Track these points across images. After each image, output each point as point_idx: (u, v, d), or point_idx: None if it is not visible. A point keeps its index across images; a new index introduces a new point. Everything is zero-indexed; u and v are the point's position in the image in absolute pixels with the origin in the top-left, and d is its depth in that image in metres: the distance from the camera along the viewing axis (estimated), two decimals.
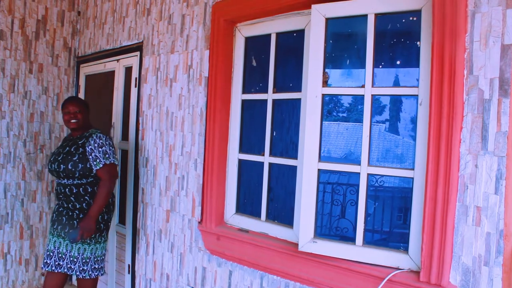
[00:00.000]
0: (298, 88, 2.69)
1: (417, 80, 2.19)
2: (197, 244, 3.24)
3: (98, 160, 3.24)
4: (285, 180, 2.85)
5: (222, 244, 3.02)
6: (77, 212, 3.30)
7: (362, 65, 2.35)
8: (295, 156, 2.70)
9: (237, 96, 3.09)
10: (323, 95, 2.47)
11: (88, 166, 3.24)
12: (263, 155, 2.92)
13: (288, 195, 2.75)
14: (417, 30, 2.22)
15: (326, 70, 2.47)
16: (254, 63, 3.11)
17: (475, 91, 1.98)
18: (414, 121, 2.20)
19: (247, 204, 3.12)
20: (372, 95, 2.33)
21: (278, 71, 2.88)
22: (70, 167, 3.21)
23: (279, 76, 2.89)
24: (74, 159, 3.22)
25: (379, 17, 2.35)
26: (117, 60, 4.22)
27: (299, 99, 2.68)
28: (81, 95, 4.82)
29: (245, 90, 3.10)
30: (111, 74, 4.32)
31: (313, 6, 2.49)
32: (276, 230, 2.80)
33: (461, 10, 2.01)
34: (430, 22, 2.14)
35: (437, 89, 2.04)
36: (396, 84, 2.32)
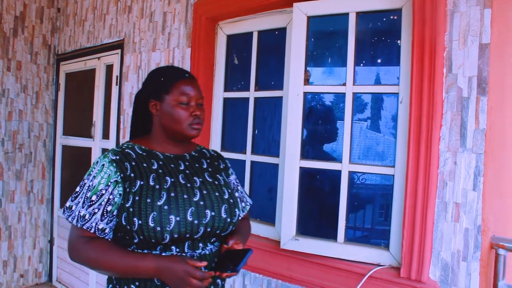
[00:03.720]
0: (280, 86, 2.70)
1: (398, 78, 2.21)
2: None
3: (245, 199, 1.88)
4: (267, 178, 2.85)
5: None
6: None
7: (344, 64, 2.36)
8: (277, 154, 2.70)
9: (219, 94, 3.08)
10: (305, 93, 2.48)
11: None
12: (245, 153, 2.91)
13: (270, 193, 2.75)
14: (398, 29, 2.24)
15: (308, 68, 2.48)
16: (236, 61, 3.10)
17: (454, 89, 2.01)
18: (395, 119, 2.22)
19: None
20: (353, 93, 2.34)
21: (260, 69, 2.88)
22: (224, 215, 1.53)
23: (261, 74, 2.88)
24: (225, 198, 1.56)
25: (360, 15, 2.36)
26: (98, 58, 4.17)
27: (281, 97, 2.68)
28: (61, 93, 4.75)
29: (227, 88, 3.09)
30: (91, 72, 4.27)
31: (294, 4, 2.50)
32: (258, 228, 2.79)
33: (441, 10, 2.03)
34: (410, 21, 2.16)
35: (417, 87, 2.06)
36: (377, 82, 2.33)
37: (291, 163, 2.47)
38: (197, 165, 1.59)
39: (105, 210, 1.41)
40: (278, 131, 2.68)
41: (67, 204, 1.45)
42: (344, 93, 2.34)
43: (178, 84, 1.52)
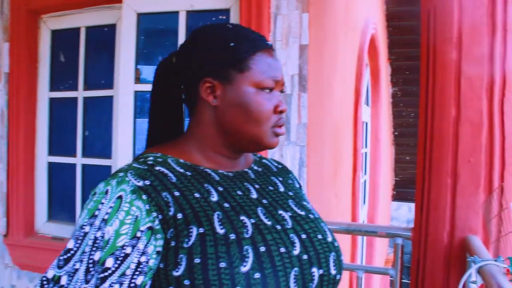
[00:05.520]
0: (111, 85, 2.59)
1: None
2: (3, 261, 2.89)
3: None
4: (101, 181, 2.71)
5: (34, 256, 2.75)
6: None
7: None
8: (110, 156, 2.59)
9: (44, 94, 2.84)
10: (136, 92, 2.43)
11: None
12: (76, 156, 2.74)
13: None
14: None
15: (139, 66, 2.43)
16: (62, 59, 2.89)
17: None
18: None
19: (61, 210, 2.89)
20: None
21: (89, 67, 2.73)
22: (334, 271, 0.85)
23: (90, 72, 2.74)
24: (330, 241, 0.88)
25: (190, 14, 2.39)
26: None
27: (112, 96, 2.58)
28: None
29: (53, 88, 2.87)
30: None
31: (124, 0, 2.42)
32: None
33: (265, 12, 2.15)
34: (238, 21, 2.24)
35: None
36: None
37: (124, 164, 2.38)
38: (270, 187, 0.95)
39: (132, 285, 0.71)
40: (111, 132, 2.58)
41: (49, 273, 0.72)
42: None
43: (261, 54, 0.88)
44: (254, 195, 0.88)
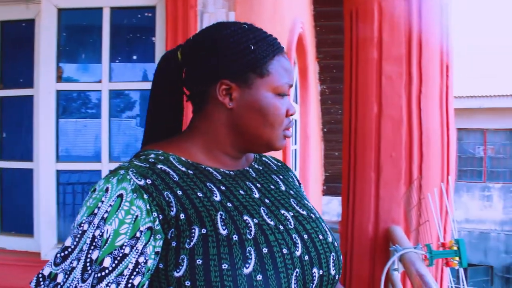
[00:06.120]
0: (30, 84, 2.47)
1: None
2: None
3: None
4: (22, 186, 2.59)
5: None
6: None
7: (99, 60, 2.31)
8: (31, 159, 2.47)
9: None
10: (58, 91, 2.35)
11: None
12: None
13: (27, 201, 2.51)
14: (153, 26, 2.28)
15: (61, 64, 2.36)
16: None
17: None
18: None
19: None
20: (109, 90, 2.31)
21: (5, 65, 2.59)
22: (333, 271, 0.87)
23: (7, 70, 2.59)
24: (330, 241, 0.90)
25: (114, 11, 2.34)
26: None
27: (33, 96, 2.46)
28: None
29: None
30: None
31: None
32: (14, 242, 2.52)
33: (191, 9, 2.15)
34: (164, 19, 2.22)
35: None
36: (145, 78, 2.34)
37: (46, 167, 2.31)
38: (272, 186, 0.94)
39: (129, 285, 0.70)
40: (32, 133, 2.47)
41: (45, 270, 0.71)
42: (100, 90, 2.30)
43: (279, 58, 0.88)
44: (256, 194, 0.88)
